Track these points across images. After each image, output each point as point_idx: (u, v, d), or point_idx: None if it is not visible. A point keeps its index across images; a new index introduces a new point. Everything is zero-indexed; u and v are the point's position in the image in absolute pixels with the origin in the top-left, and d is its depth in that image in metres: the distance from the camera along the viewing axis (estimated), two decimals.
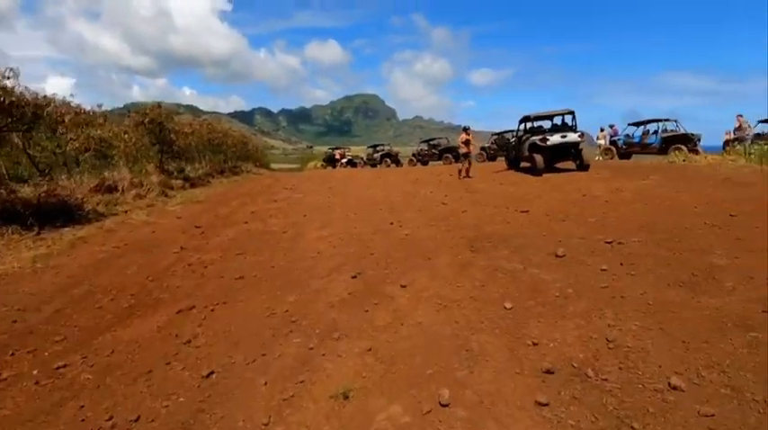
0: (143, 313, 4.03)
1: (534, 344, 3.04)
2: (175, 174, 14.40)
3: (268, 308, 4.01)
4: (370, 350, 3.16)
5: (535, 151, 12.00)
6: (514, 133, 23.52)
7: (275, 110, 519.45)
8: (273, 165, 41.20)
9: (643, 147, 17.76)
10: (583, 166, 11.82)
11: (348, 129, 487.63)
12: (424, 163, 25.85)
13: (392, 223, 7.11)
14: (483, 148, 23.29)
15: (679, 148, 16.38)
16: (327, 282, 4.59)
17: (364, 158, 29.10)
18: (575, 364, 2.76)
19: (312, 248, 5.91)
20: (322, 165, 33.54)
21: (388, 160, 27.25)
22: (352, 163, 31.05)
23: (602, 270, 4.20)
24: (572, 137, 11.54)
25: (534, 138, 11.99)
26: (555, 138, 11.56)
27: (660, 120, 17.49)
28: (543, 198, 8.42)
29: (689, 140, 16.37)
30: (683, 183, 8.70)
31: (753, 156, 10.85)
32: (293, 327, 3.60)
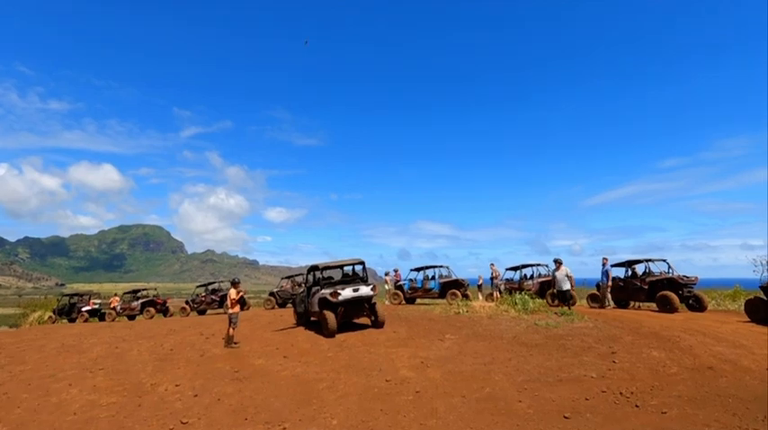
0: None
1: None
2: None
3: None
4: None
5: (326, 307, 10.17)
6: (303, 281, 22.06)
7: (12, 238, 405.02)
8: None
9: (425, 292, 18.58)
10: (378, 323, 10.48)
11: (120, 264, 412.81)
12: (201, 312, 21.24)
13: None
14: (272, 293, 20.71)
15: (455, 293, 17.71)
16: None
17: (118, 308, 22.21)
18: None
19: None
20: (50, 317, 24.21)
21: (151, 309, 21.40)
22: (96, 313, 23.38)
23: None
24: (365, 290, 10.29)
25: (324, 291, 10.24)
26: (347, 293, 10.06)
27: (437, 267, 18.95)
28: (338, 390, 6.09)
29: (461, 285, 17.89)
30: (482, 345, 7.93)
31: (519, 306, 11.63)
32: None
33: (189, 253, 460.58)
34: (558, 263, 11.60)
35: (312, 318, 11.53)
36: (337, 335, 9.83)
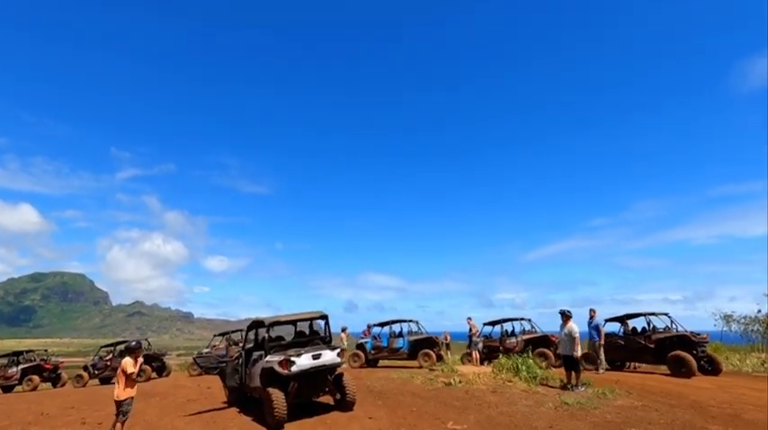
0: None
1: None
2: None
3: None
4: None
5: (272, 382, 7.08)
6: (239, 343, 17.85)
7: None
8: None
9: (392, 352, 15.59)
10: (346, 403, 7.49)
11: (28, 317, 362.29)
12: (105, 379, 16.59)
13: None
14: (199, 357, 16.64)
15: (428, 354, 14.90)
16: None
17: None
18: None
19: None
20: None
21: (35, 378, 16.42)
22: None
23: None
24: (329, 357, 7.32)
25: (271, 359, 7.16)
26: (304, 361, 7.04)
27: (404, 321, 16.14)
28: None
29: (434, 344, 15.16)
30: None
31: (523, 373, 9.13)
32: None
33: (114, 304, 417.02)
34: (565, 317, 9.15)
35: (251, 395, 8.25)
36: (287, 425, 6.72)
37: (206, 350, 17.07)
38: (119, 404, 6.20)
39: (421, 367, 14.13)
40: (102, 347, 17.57)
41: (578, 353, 8.41)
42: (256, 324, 8.47)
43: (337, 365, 7.48)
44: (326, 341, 8.31)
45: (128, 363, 6.22)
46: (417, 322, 15.85)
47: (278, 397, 6.82)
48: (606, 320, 13.09)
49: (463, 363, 14.51)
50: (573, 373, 8.51)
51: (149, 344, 18.04)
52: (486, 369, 10.40)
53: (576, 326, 8.76)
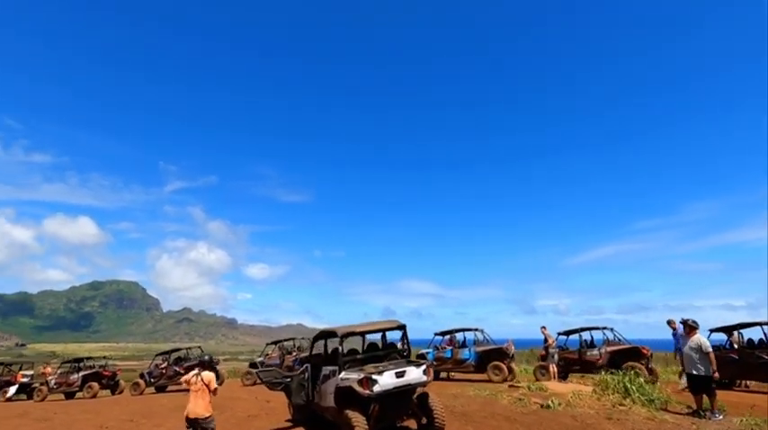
0: None
1: None
2: None
3: None
4: None
5: (351, 404, 6.10)
6: (292, 351, 17.10)
7: None
8: None
9: (456, 364, 14.31)
10: (434, 428, 6.37)
11: (88, 323, 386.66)
12: (160, 387, 16.40)
13: None
14: (253, 364, 16.03)
15: (498, 366, 13.52)
16: None
17: (52, 382, 17.10)
18: None
19: None
20: None
21: (94, 385, 16.46)
22: (24, 388, 18.25)
23: None
24: (414, 374, 6.26)
25: (349, 376, 6.18)
26: (387, 380, 6.01)
27: (468, 330, 14.87)
28: None
29: (505, 355, 13.76)
30: None
31: (635, 394, 7.66)
32: None
33: (164, 311, 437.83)
34: (689, 327, 7.56)
35: (324, 416, 7.29)
36: None
37: (259, 359, 16.52)
38: (202, 421, 5.67)
39: (490, 381, 12.82)
40: (156, 355, 17.41)
41: (715, 372, 6.87)
42: (325, 334, 7.54)
43: (424, 384, 6.40)
44: (405, 355, 7.27)
45: (212, 378, 5.90)
46: (483, 331, 14.52)
47: (359, 421, 5.83)
48: (711, 331, 11.27)
49: (537, 379, 13.04)
50: (705, 397, 6.98)
51: (202, 351, 17.75)
52: (582, 387, 8.94)
53: (704, 340, 7.22)
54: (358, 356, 6.98)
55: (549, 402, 7.60)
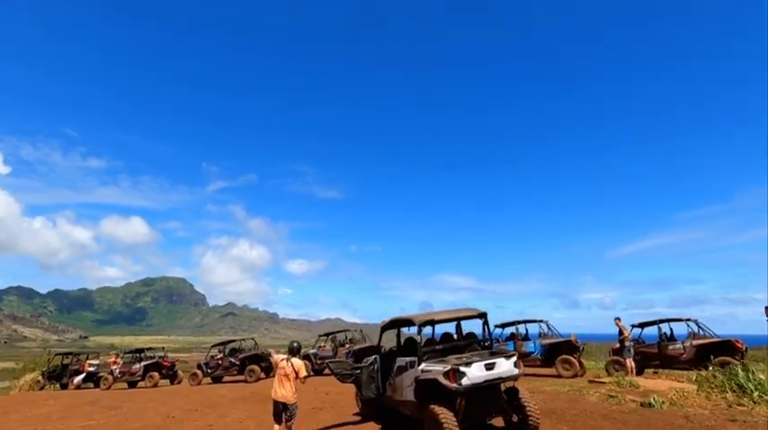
0: None
1: None
2: None
3: None
4: None
5: (433, 398, 5.55)
6: (345, 344, 16.82)
7: (43, 290, 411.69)
8: None
9: (520, 358, 13.51)
10: (527, 427, 5.71)
11: (142, 317, 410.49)
12: (216, 378, 16.60)
13: None
14: (307, 356, 15.87)
15: (568, 360, 12.61)
16: None
17: (116, 372, 17.71)
18: None
19: None
20: (37, 382, 19.99)
21: (155, 375, 16.90)
22: (91, 377, 19.07)
23: None
24: (505, 366, 5.62)
25: (432, 368, 5.63)
26: (476, 372, 5.41)
27: (532, 322, 14.00)
28: None
29: (575, 349, 12.81)
30: None
31: (754, 393, 6.65)
32: None
33: (210, 305, 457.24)
34: None
35: (400, 411, 6.76)
36: None
37: (312, 351, 16.36)
38: (289, 405, 5.79)
39: (560, 376, 11.95)
40: (212, 346, 17.65)
41: None
42: (398, 323, 7.02)
43: (515, 378, 5.75)
44: (486, 346, 6.63)
45: (302, 366, 5.91)
46: (547, 322, 13.61)
47: (447, 418, 5.26)
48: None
49: (609, 373, 12.03)
50: None
51: (255, 343, 17.84)
52: (684, 385, 7.96)
53: None
54: (437, 347, 6.40)
55: (652, 400, 6.72)
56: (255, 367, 15.48)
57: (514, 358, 5.81)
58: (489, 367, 5.54)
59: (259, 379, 15.26)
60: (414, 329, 6.69)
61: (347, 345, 15.96)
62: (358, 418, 7.65)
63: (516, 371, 5.71)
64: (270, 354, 18.93)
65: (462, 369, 5.38)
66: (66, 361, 20.43)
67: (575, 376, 11.93)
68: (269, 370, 16.58)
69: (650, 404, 6.66)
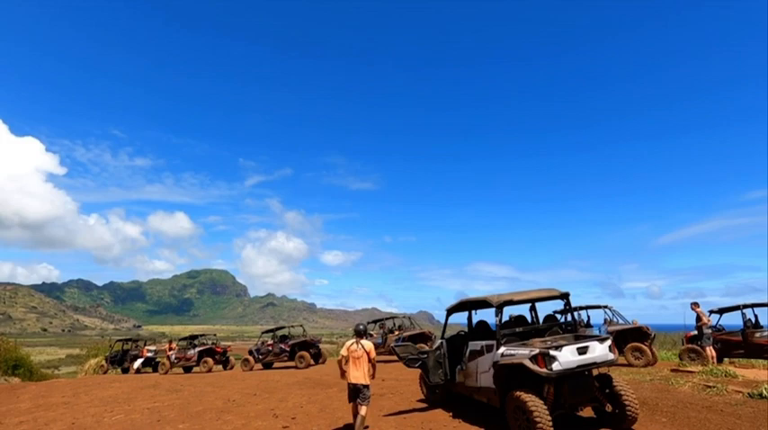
0: None
1: None
2: None
3: None
4: None
5: (516, 384, 5.07)
6: (393, 330, 16.57)
7: (100, 283, 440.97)
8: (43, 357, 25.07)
9: None
10: (624, 418, 5.14)
11: (188, 308, 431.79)
12: (267, 364, 16.80)
13: None
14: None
15: (638, 348, 11.75)
16: None
17: (173, 357, 18.32)
18: None
19: None
20: (101, 366, 21.08)
21: (209, 360, 17.32)
22: (149, 362, 19.85)
23: None
24: (599, 350, 5.06)
25: (516, 351, 5.14)
26: (568, 356, 4.87)
27: (596, 307, 13.14)
28: None
29: (645, 336, 11.92)
30: None
31: None
32: None
33: (251, 296, 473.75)
34: None
35: (473, 397, 6.31)
36: None
37: (372, 339, 16.22)
38: (363, 387, 5.48)
39: (631, 365, 11.12)
40: (263, 333, 17.88)
41: None
42: (470, 304, 6.56)
43: (610, 363, 5.16)
44: (569, 330, 6.07)
45: (372, 348, 5.69)
46: (612, 308, 12.73)
47: (537, 406, 4.76)
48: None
49: (684, 362, 11.08)
50: None
51: (304, 330, 17.90)
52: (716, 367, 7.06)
53: None
54: (517, 329, 5.89)
55: (763, 390, 5.93)
56: (305, 353, 15.49)
57: (609, 342, 5.21)
58: (582, 351, 4.98)
59: (309, 365, 15.27)
60: (481, 313, 6.21)
61: (397, 332, 15.70)
62: (424, 405, 7.29)
63: (612, 357, 5.12)
64: (320, 341, 19.04)
65: (553, 353, 4.85)
66: (126, 347, 21.39)
67: (647, 365, 11.08)
68: (318, 356, 16.62)
69: (760, 395, 5.87)
